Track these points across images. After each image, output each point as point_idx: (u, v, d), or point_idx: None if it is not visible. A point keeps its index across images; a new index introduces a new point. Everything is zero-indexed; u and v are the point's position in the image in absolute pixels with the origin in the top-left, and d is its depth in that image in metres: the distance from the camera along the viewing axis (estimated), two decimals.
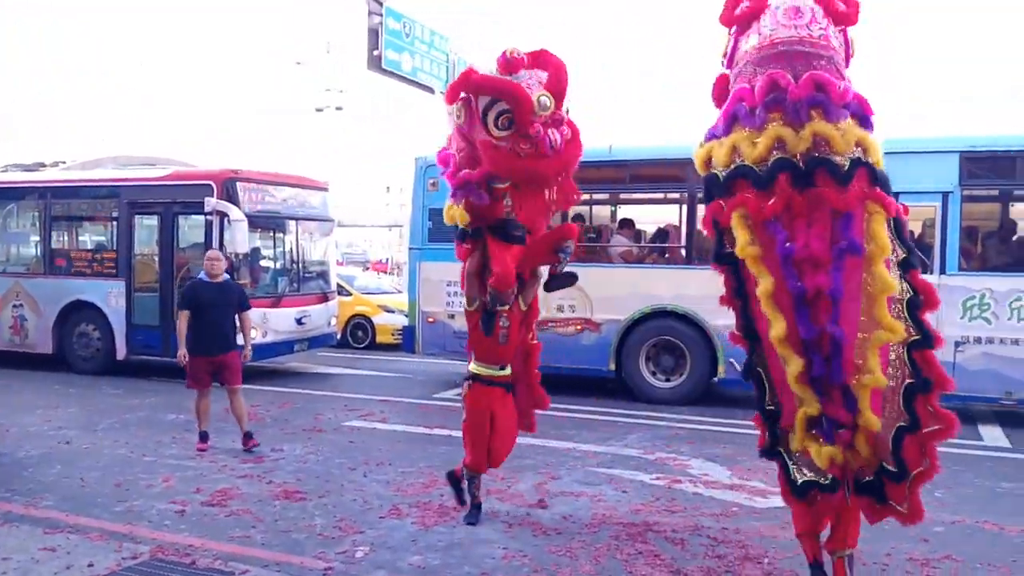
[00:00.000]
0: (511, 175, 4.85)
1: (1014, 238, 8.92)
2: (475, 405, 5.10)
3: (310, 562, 4.49)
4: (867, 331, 3.56)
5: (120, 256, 11.07)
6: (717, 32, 4.12)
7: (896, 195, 3.77)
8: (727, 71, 3.97)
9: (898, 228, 3.67)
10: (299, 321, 11.14)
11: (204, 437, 7.09)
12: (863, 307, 3.56)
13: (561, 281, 5.38)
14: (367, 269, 29.78)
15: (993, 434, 8.22)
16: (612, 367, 9.73)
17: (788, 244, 3.54)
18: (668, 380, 9.68)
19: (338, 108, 64.53)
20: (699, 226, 9.43)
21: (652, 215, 11.12)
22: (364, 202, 48.83)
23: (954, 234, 8.42)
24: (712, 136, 3.87)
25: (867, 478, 3.76)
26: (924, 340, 3.57)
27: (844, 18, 3.66)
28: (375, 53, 14.41)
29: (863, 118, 3.58)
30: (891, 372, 3.64)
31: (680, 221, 9.96)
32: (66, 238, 12.06)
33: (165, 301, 10.76)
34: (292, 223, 11.51)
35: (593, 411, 9.13)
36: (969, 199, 8.57)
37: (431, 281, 10.27)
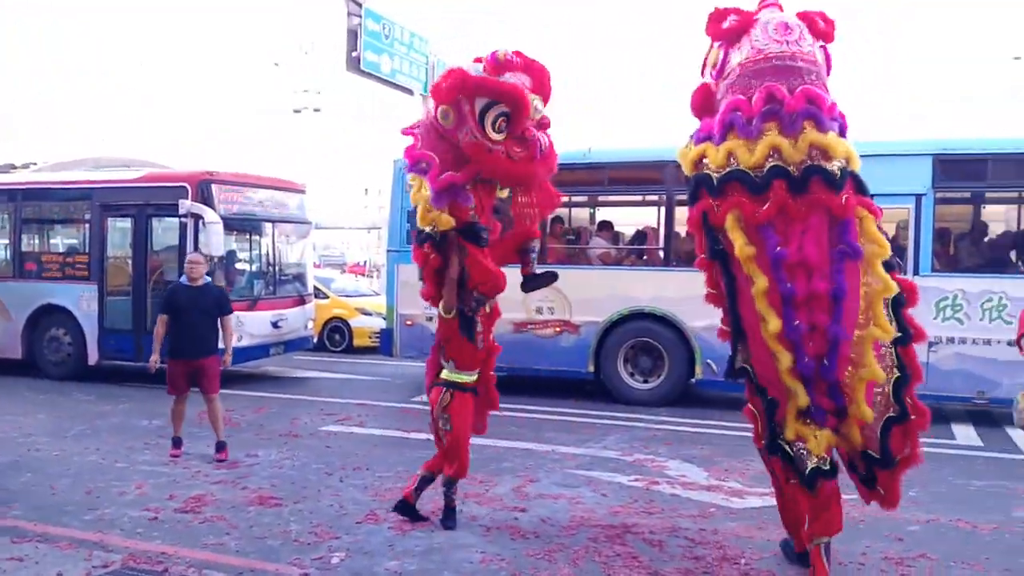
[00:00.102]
0: (506, 179, 4.84)
1: (986, 240, 9.05)
2: (460, 414, 5.00)
3: (285, 569, 4.43)
4: (862, 329, 3.83)
5: (92, 259, 10.91)
6: (705, 41, 4.23)
7: (871, 197, 3.98)
8: (709, 81, 4.20)
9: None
10: (275, 324, 11.04)
11: (178, 443, 7.00)
12: (861, 306, 3.85)
13: (539, 281, 5.35)
14: (344, 272, 29.63)
15: (966, 433, 8.33)
16: (591, 369, 9.74)
17: (779, 249, 3.77)
18: (646, 381, 9.71)
19: (316, 109, 64.16)
20: (677, 228, 9.48)
21: (631, 217, 11.16)
22: (342, 204, 48.61)
23: (927, 236, 8.52)
24: (701, 139, 4.07)
25: (860, 469, 4.06)
26: (910, 336, 3.86)
27: (824, 35, 3.98)
28: (354, 54, 14.31)
29: (842, 130, 3.90)
30: (881, 366, 3.90)
31: (658, 223, 10.01)
32: (37, 241, 11.86)
33: (138, 305, 10.63)
34: (268, 225, 11.40)
35: (572, 413, 9.13)
36: (942, 201, 8.68)
37: (409, 284, 10.17)
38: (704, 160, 4.01)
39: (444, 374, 5.07)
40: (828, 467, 3.93)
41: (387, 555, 4.64)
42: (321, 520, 5.23)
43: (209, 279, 7.28)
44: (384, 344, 10.92)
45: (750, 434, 4.71)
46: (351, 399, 9.88)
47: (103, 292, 10.83)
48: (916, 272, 8.47)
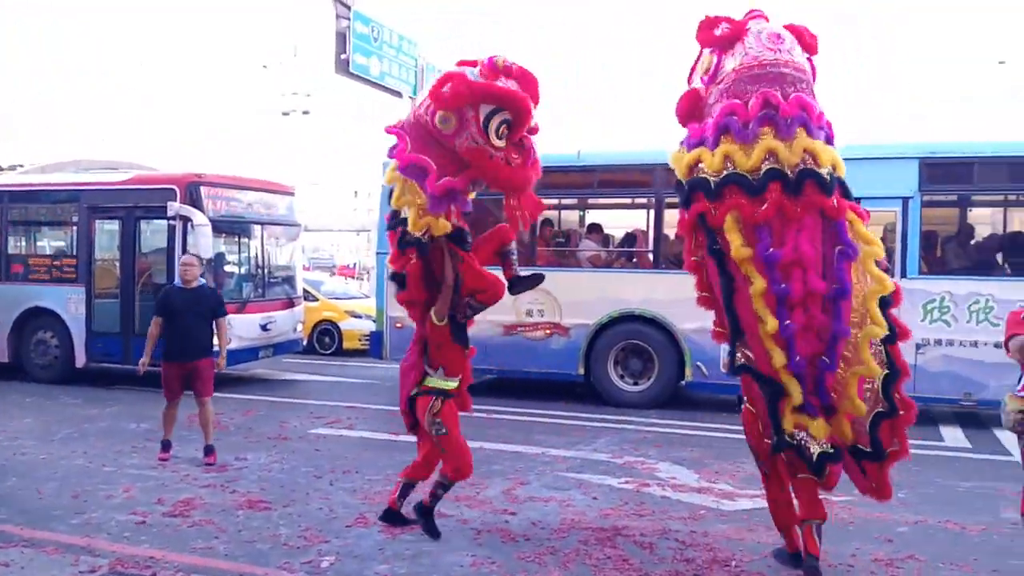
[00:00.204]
0: (506, 184, 4.84)
1: (972, 242, 9.11)
2: (451, 419, 4.95)
3: (275, 573, 4.41)
4: (858, 327, 3.95)
5: (80, 262, 10.84)
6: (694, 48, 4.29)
7: (858, 200, 4.14)
8: (699, 86, 4.30)
9: None
10: (264, 327, 10.99)
11: (166, 446, 6.95)
12: (854, 304, 3.96)
13: (527, 283, 5.33)
14: (334, 274, 29.57)
15: (954, 435, 8.38)
16: (581, 371, 9.75)
17: (771, 250, 3.89)
18: (636, 384, 9.72)
19: (305, 112, 64.02)
20: (667, 231, 9.51)
21: (620, 220, 11.19)
22: (331, 206, 48.44)
23: (914, 238, 8.58)
24: (694, 144, 4.14)
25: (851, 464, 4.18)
26: (896, 334, 3.98)
27: (809, 47, 4.13)
28: (343, 57, 14.29)
29: (828, 139, 4.06)
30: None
31: (648, 226, 10.03)
32: (24, 243, 11.78)
33: (126, 308, 10.56)
34: (257, 228, 11.35)
35: (562, 415, 9.13)
36: (928, 204, 8.73)
37: None
38: (700, 165, 4.08)
39: (433, 382, 4.96)
40: (833, 450, 4.05)
41: (377, 559, 4.63)
42: (310, 524, 5.21)
43: (203, 281, 7.25)
44: (374, 347, 10.88)
45: (741, 436, 4.74)
46: (340, 402, 9.84)
47: (91, 295, 10.76)
48: (903, 275, 8.52)
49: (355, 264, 39.07)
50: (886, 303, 3.98)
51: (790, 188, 3.89)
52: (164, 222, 10.18)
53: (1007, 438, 7.99)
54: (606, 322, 9.60)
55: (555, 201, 10.92)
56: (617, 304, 9.57)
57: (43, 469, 6.49)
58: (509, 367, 9.94)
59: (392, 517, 5.18)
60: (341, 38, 14.25)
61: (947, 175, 8.77)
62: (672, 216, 8.68)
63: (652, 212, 9.86)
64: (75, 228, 11.01)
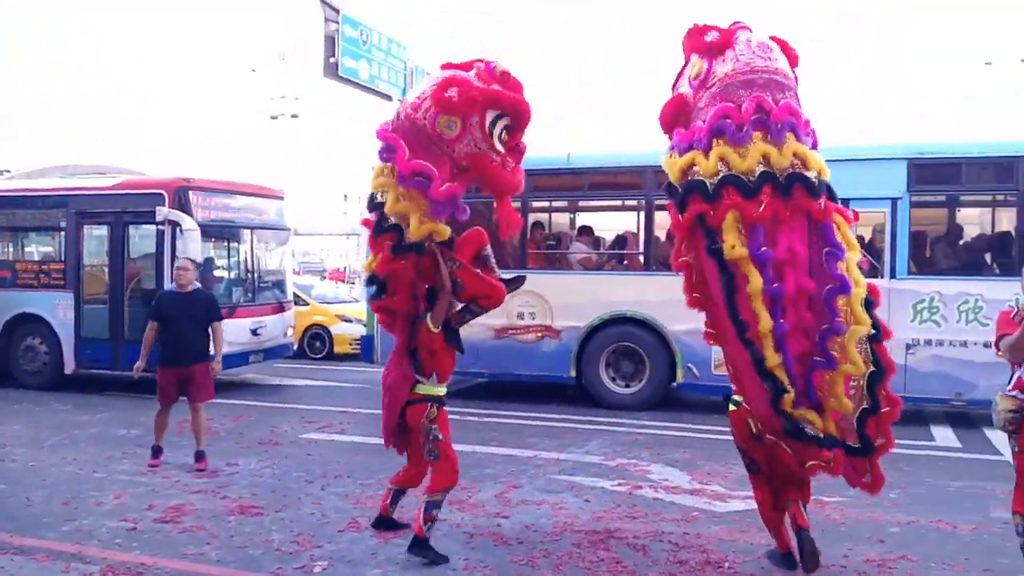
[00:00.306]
0: (503, 188, 4.84)
1: (961, 242, 9.16)
2: (446, 427, 4.90)
3: None
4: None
5: (68, 267, 10.77)
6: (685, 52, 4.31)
7: (847, 201, 4.15)
8: (686, 91, 4.35)
9: None
10: (254, 332, 10.94)
11: (157, 452, 6.91)
12: (840, 304, 4.02)
13: (510, 285, 5.29)
14: (324, 278, 29.47)
15: (944, 435, 8.42)
16: (572, 374, 9.75)
17: (763, 250, 3.96)
18: (628, 386, 9.73)
19: (294, 116, 63.88)
20: (657, 233, 9.53)
21: (611, 222, 11.20)
22: (321, 210, 48.24)
23: (903, 239, 8.63)
24: (684, 148, 4.20)
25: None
26: (880, 333, 4.07)
27: (792, 59, 4.27)
28: (332, 60, 14.23)
29: (814, 146, 4.19)
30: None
31: (638, 228, 10.04)
32: (11, 249, 11.71)
33: (115, 313, 10.50)
34: (247, 232, 11.30)
35: (553, 418, 9.13)
36: (917, 205, 8.78)
37: None
38: (694, 168, 4.13)
39: (425, 389, 4.86)
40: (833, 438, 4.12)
41: (370, 563, 4.61)
42: (303, 529, 5.18)
43: (199, 285, 7.22)
44: (365, 350, 10.86)
45: (731, 437, 4.75)
46: (332, 406, 9.81)
47: (79, 300, 10.69)
48: (893, 275, 8.57)
49: (345, 268, 38.96)
50: (869, 304, 4.05)
51: (780, 191, 3.98)
52: (153, 227, 10.13)
53: (997, 437, 8.04)
54: (597, 324, 9.60)
55: (546, 204, 10.95)
56: (608, 306, 9.58)
57: (33, 476, 6.44)
58: (500, 370, 9.93)
59: (384, 524, 5.16)
60: (330, 41, 14.20)
61: (936, 176, 8.82)
62: (662, 218, 8.70)
63: (643, 214, 9.87)
64: (63, 233, 10.93)
